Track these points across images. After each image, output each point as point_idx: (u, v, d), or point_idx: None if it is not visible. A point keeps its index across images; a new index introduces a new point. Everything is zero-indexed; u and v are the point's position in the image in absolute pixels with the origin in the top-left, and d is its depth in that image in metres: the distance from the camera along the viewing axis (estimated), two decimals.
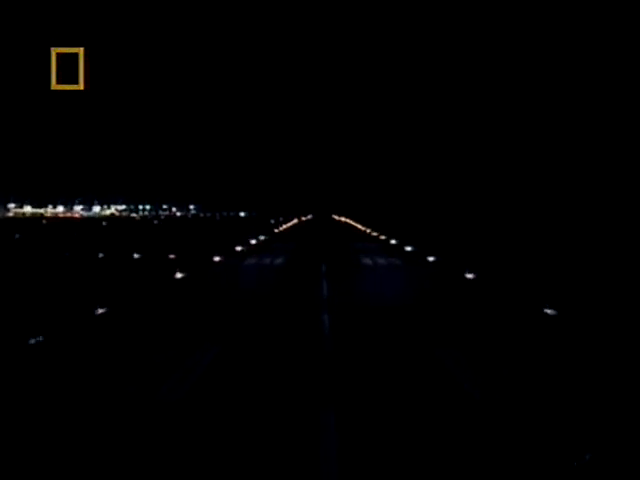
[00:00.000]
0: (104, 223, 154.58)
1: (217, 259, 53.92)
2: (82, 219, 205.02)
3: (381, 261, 53.78)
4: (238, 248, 66.53)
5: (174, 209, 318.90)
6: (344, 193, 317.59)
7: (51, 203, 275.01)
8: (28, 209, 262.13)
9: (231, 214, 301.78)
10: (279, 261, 53.52)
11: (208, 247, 66.17)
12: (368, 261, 53.31)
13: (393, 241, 79.38)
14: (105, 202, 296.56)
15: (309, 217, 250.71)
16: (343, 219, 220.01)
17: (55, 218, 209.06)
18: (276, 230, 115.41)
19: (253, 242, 78.82)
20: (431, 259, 54.17)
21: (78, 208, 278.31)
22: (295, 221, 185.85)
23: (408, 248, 66.84)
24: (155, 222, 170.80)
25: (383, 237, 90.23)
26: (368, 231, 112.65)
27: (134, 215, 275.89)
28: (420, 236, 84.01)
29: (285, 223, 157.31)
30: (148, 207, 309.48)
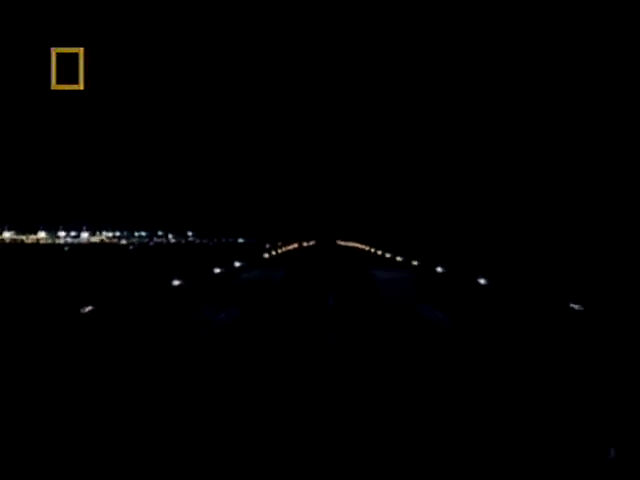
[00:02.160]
0: (66, 249, 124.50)
1: (88, 309, 22.54)
2: (47, 245, 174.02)
3: (457, 311, 22.07)
4: (176, 282, 35.02)
5: (170, 235, 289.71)
6: (348, 218, 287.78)
7: (40, 229, 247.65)
8: (7, 235, 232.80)
9: (230, 240, 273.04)
10: (227, 316, 21.85)
11: (130, 281, 35.00)
12: (439, 317, 21.40)
13: (439, 269, 47.49)
14: (97, 228, 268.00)
15: (312, 243, 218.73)
16: (351, 244, 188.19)
17: (22, 244, 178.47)
18: (266, 255, 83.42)
19: (217, 271, 47.27)
20: (576, 307, 22.70)
21: (62, 234, 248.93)
22: (295, 246, 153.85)
23: (481, 281, 35.21)
24: (130, 248, 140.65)
25: (415, 262, 58.39)
26: (387, 255, 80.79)
27: (123, 242, 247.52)
28: (465, 258, 52.70)
29: (281, 248, 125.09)
30: (144, 233, 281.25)
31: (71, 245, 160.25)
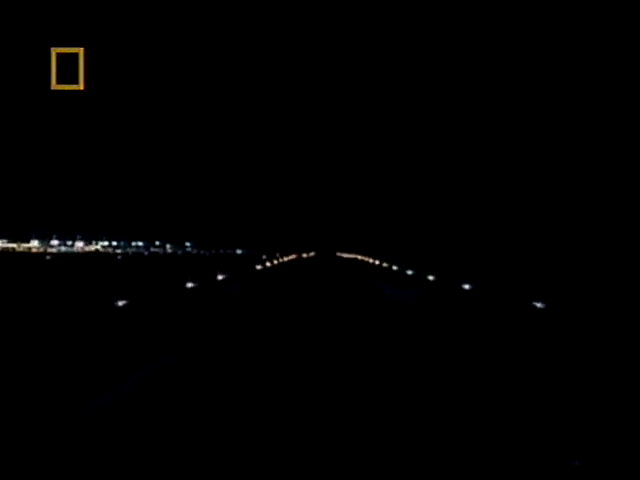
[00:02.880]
0: (47, 258, 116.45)
1: None
2: (31, 254, 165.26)
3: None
4: (120, 303, 25.06)
5: (168, 246, 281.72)
6: (349, 230, 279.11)
7: (32, 237, 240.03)
8: None
9: (228, 252, 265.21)
10: (148, 372, 11.51)
11: (67, 299, 25.06)
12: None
13: (467, 286, 37.42)
14: (92, 237, 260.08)
15: (311, 254, 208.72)
16: (353, 256, 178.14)
17: (9, 253, 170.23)
18: (258, 267, 73.45)
19: (190, 286, 37.29)
20: None
21: (55, 243, 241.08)
22: (293, 257, 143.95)
23: (538, 304, 25.09)
24: (118, 258, 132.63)
25: (431, 277, 48.40)
26: (394, 268, 70.72)
27: (118, 251, 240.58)
28: (483, 270, 42.91)
29: (278, 260, 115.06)
30: (141, 243, 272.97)
31: (58, 254, 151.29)
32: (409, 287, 39.58)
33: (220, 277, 46.49)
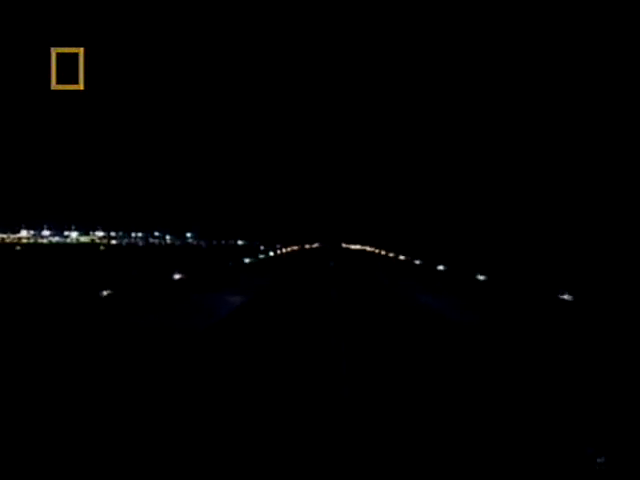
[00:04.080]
0: (18, 248, 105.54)
1: None
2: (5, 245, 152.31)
3: None
4: None
5: (168, 237, 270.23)
6: (353, 220, 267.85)
7: (22, 227, 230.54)
8: None
9: (230, 242, 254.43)
10: None
11: None
12: None
13: (566, 296, 22.03)
14: (89, 228, 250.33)
15: (315, 245, 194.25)
16: (361, 247, 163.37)
17: None
18: (247, 260, 58.49)
19: (103, 294, 22.11)
20: None
21: (47, 233, 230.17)
22: (294, 248, 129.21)
23: None
24: (101, 248, 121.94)
25: (481, 277, 33.22)
26: (417, 262, 55.44)
27: (114, 242, 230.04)
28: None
29: (276, 251, 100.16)
30: (140, 234, 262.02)
31: (32, 245, 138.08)
32: (463, 298, 24.11)
33: (177, 276, 31.44)
